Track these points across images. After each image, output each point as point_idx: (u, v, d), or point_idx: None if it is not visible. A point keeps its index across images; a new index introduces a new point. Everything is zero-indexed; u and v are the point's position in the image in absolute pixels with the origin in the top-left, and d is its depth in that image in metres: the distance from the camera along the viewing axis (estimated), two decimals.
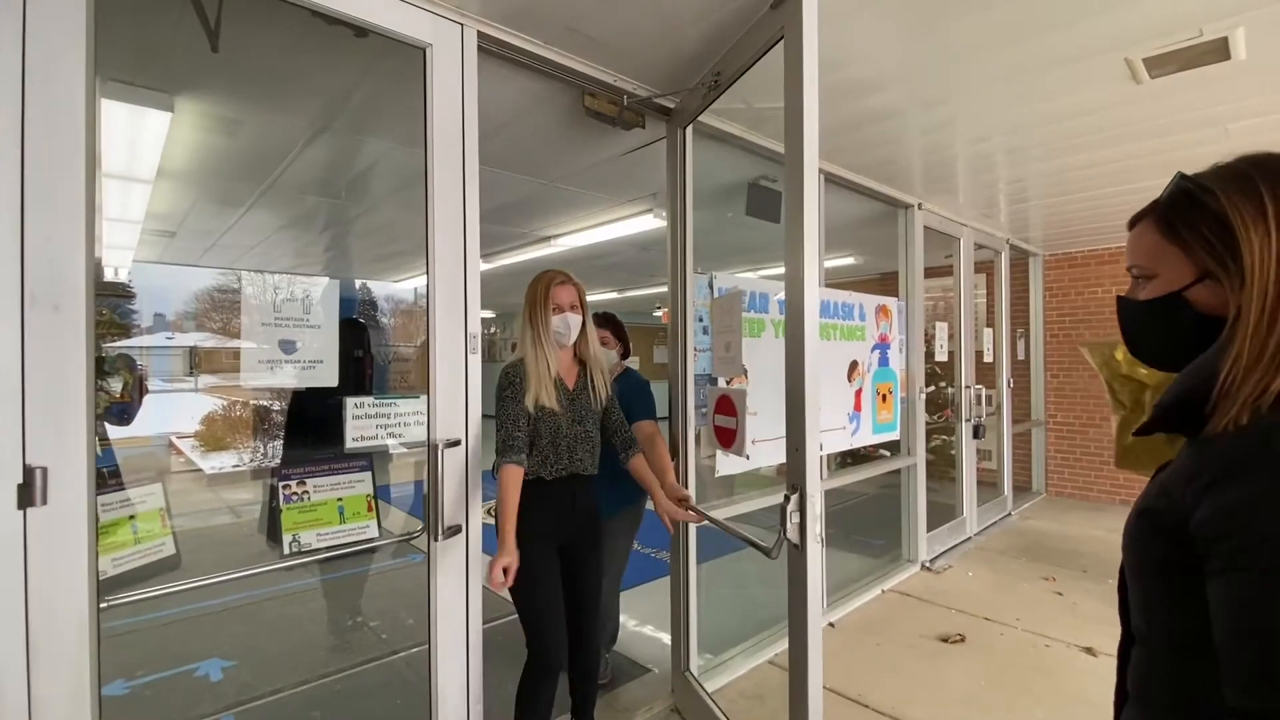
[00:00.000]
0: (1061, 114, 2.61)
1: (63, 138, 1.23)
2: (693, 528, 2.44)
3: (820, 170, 3.18)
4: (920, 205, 3.98)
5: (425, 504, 1.74)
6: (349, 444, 1.68)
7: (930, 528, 4.14)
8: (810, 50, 1.51)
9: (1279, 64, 2.13)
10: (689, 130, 2.38)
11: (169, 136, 2.50)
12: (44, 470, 1.20)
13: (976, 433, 4.67)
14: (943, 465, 5.09)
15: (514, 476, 1.73)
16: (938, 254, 4.62)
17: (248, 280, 1.56)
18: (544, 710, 1.81)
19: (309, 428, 2.14)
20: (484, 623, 1.87)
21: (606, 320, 2.63)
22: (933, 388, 5.31)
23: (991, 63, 2.17)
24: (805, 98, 1.49)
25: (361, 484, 1.94)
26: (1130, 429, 1.08)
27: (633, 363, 2.83)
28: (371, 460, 1.96)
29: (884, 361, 3.79)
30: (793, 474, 1.53)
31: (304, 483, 2.03)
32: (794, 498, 1.45)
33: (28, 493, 1.18)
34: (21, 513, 1.18)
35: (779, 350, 2.80)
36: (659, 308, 9.60)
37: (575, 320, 1.89)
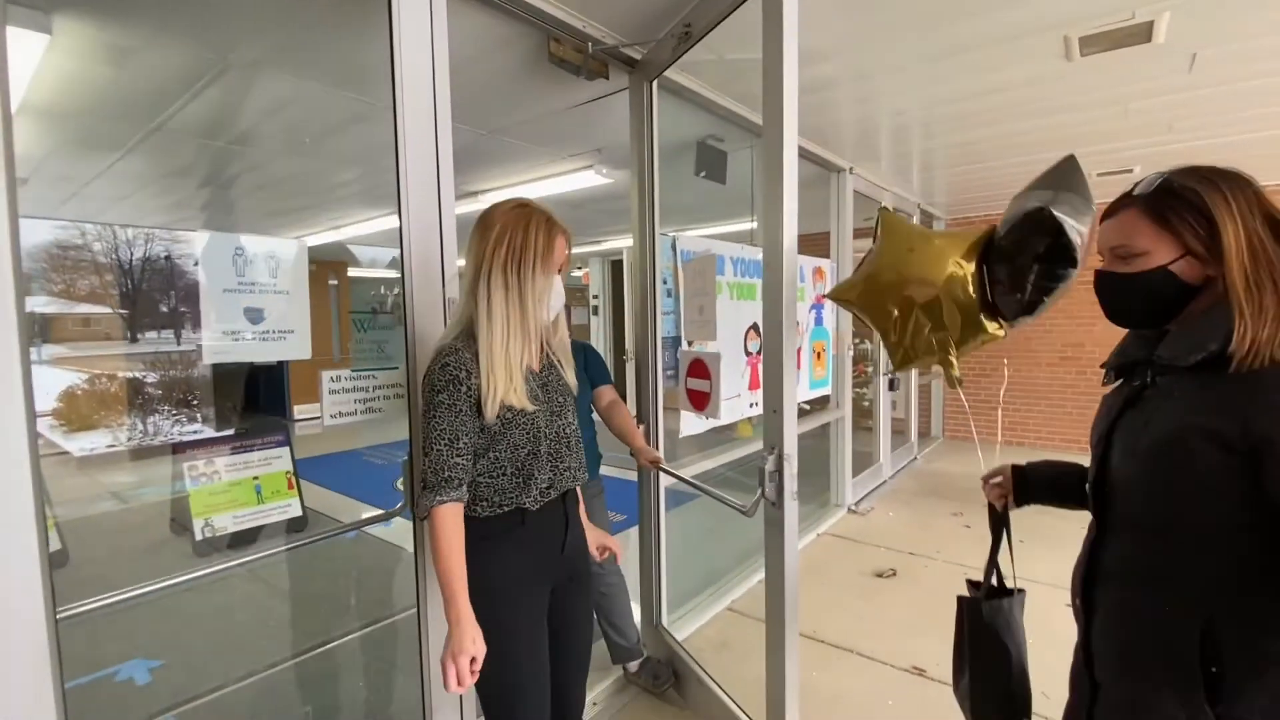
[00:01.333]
0: (989, 88, 2.78)
1: None
2: (661, 488, 2.48)
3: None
4: (851, 170, 4.14)
5: (409, 478, 1.64)
6: (326, 421, 1.54)
7: (854, 474, 4.46)
8: (791, 5, 1.49)
9: (1190, 49, 2.37)
10: (654, 84, 2.30)
11: (42, 63, 2.09)
12: None
13: (892, 385, 5.04)
14: (858, 416, 5.48)
15: (453, 521, 1.18)
16: (858, 217, 4.85)
17: (209, 241, 1.35)
18: None
19: (219, 397, 1.93)
20: None
21: None
22: (862, 343, 5.65)
23: (934, 38, 2.27)
24: (785, 56, 1.48)
25: (279, 460, 1.81)
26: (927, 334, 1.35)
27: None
28: (289, 433, 1.82)
29: (819, 321, 3.97)
30: (772, 435, 1.58)
31: (212, 462, 1.87)
32: (772, 458, 1.50)
33: None
34: None
35: (735, 311, 2.87)
36: (580, 268, 9.46)
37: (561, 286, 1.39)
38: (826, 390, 4.05)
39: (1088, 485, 1.01)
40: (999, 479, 1.25)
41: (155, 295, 1.56)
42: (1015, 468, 1.23)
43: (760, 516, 1.67)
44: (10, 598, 1.05)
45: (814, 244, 6.05)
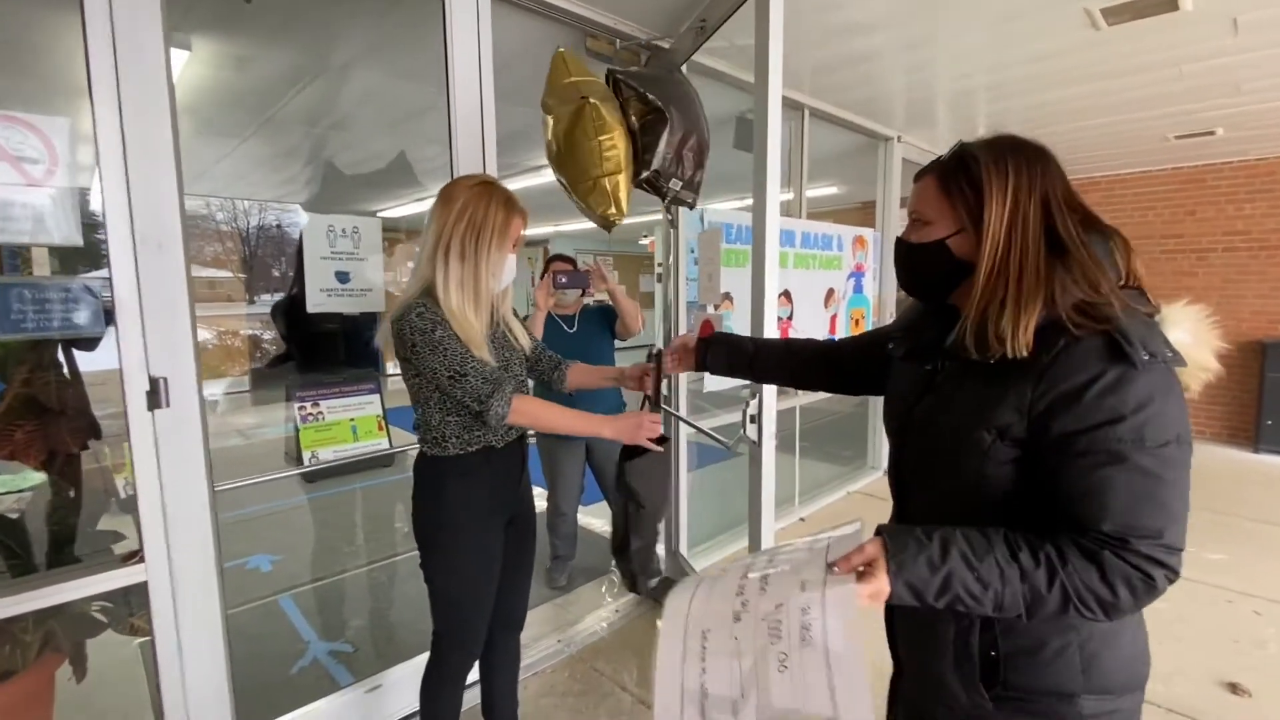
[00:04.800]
0: (1030, 57, 2.80)
1: (149, 89, 1.41)
2: (682, 431, 2.80)
3: (805, 107, 3.37)
4: (899, 138, 4.17)
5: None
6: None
7: None
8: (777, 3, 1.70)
9: (1227, 15, 2.34)
10: (683, 69, 2.54)
11: (183, 73, 2.60)
12: (165, 380, 1.46)
13: None
14: None
15: (531, 401, 1.37)
16: (906, 185, 4.84)
17: (309, 221, 1.77)
18: (457, 713, 1.54)
19: (322, 352, 2.32)
20: None
21: (567, 259, 2.77)
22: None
23: (968, 9, 2.34)
24: (770, 54, 1.68)
25: (371, 405, 2.16)
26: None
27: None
28: (379, 384, 2.18)
29: (859, 289, 4.10)
30: (755, 386, 1.84)
31: (317, 404, 2.30)
32: (754, 402, 1.76)
33: (155, 397, 1.45)
34: (151, 414, 1.46)
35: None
36: (645, 236, 9.71)
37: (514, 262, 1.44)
38: None
39: (886, 469, 1.01)
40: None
41: (268, 261, 1.99)
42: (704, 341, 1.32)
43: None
44: (184, 471, 1.52)
45: (859, 215, 6.07)
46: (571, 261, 2.79)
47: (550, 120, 1.93)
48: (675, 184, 1.99)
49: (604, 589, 2.85)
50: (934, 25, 2.49)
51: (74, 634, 1.65)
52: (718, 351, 1.31)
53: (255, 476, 1.90)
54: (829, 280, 3.78)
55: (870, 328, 4.17)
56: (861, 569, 0.72)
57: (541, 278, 2.60)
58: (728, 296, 2.78)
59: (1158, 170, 5.30)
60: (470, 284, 1.33)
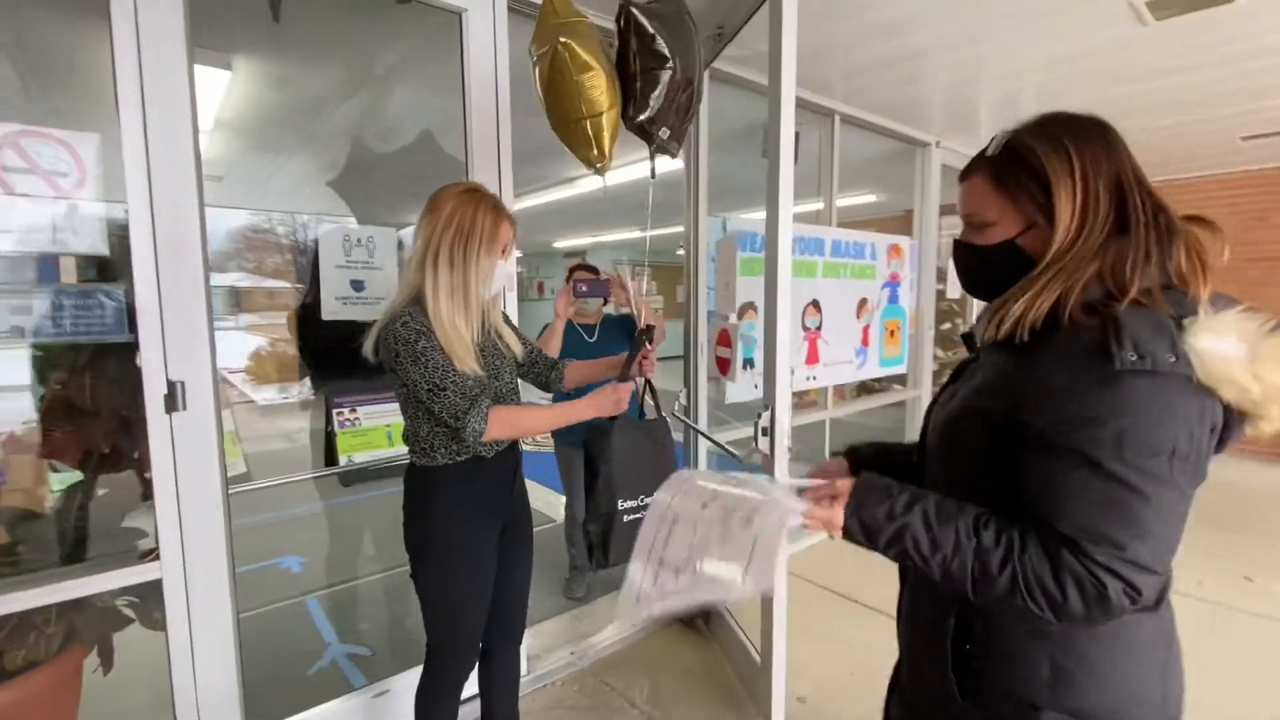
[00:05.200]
0: (1075, 54, 2.65)
1: (172, 105, 1.47)
2: (701, 446, 2.74)
3: (835, 113, 3.29)
4: (938, 143, 4.03)
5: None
6: None
7: None
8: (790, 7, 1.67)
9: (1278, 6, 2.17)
10: (704, 75, 2.52)
11: (228, 91, 2.73)
12: (182, 384, 1.52)
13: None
14: None
15: (506, 411, 1.34)
16: (946, 192, 4.67)
17: (325, 228, 1.82)
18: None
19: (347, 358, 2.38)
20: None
21: (589, 268, 2.77)
22: (948, 325, 5.45)
23: (1011, 3, 2.22)
24: (783, 61, 1.65)
25: None
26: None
27: (656, 301, 3.05)
28: None
29: (894, 299, 3.96)
30: (766, 395, 1.79)
31: (355, 410, 2.35)
32: (765, 414, 1.70)
33: (172, 401, 1.50)
34: (169, 416, 1.51)
35: (794, 287, 3.02)
36: (681, 247, 9.70)
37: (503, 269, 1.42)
38: (900, 369, 4.04)
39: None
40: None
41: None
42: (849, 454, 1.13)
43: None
44: (199, 473, 1.57)
45: (902, 223, 5.92)
46: (594, 270, 2.78)
47: (536, 72, 1.83)
48: (664, 133, 1.90)
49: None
50: (977, 22, 2.38)
51: (100, 627, 1.72)
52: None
53: (286, 476, 1.95)
54: (862, 290, 3.67)
55: (906, 339, 4.02)
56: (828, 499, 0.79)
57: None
58: (751, 306, 2.73)
59: (1226, 174, 4.97)
60: (460, 292, 1.32)
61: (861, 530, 0.76)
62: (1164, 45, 2.48)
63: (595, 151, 1.79)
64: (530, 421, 1.39)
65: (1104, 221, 0.74)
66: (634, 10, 1.52)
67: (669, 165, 4.50)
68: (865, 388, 4.59)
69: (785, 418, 1.79)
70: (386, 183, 5.19)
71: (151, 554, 1.54)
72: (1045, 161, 0.74)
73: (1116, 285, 0.70)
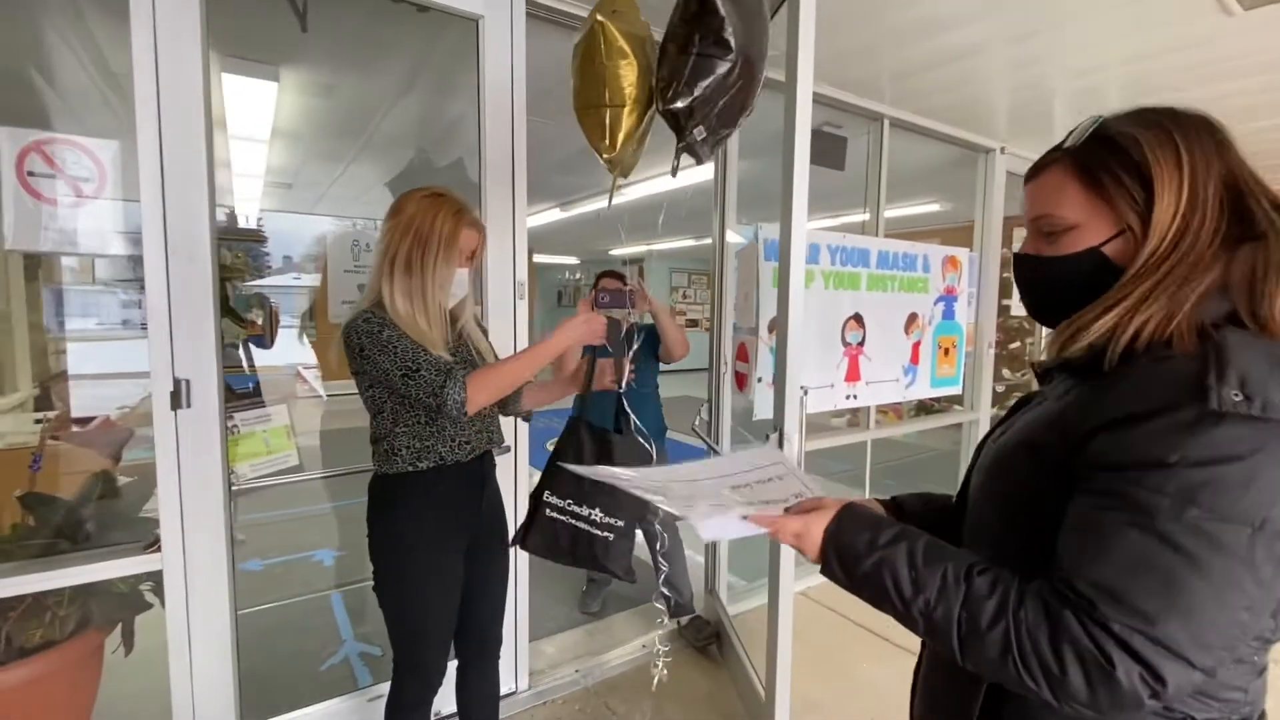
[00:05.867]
0: (1163, 47, 2.38)
1: (188, 112, 1.52)
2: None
3: (884, 117, 3.12)
4: (1003, 149, 3.75)
5: None
6: None
7: None
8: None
9: None
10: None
11: (278, 101, 2.86)
12: (188, 381, 1.56)
13: None
14: None
15: (480, 372, 1.28)
16: (1012, 202, 4.34)
17: (335, 233, 1.85)
18: None
19: None
20: None
21: (618, 276, 2.65)
22: (1016, 344, 5.07)
23: None
24: (800, 60, 1.55)
25: None
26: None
27: (697, 313, 2.95)
28: None
29: (949, 314, 3.70)
30: (776, 417, 1.67)
31: None
32: (774, 436, 1.59)
33: (177, 398, 1.55)
34: (174, 413, 1.56)
35: (833, 300, 2.86)
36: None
37: (468, 276, 1.40)
38: (955, 389, 3.77)
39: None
40: None
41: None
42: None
43: None
44: (202, 469, 1.61)
45: (960, 235, 5.59)
46: (621, 278, 2.72)
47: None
48: (699, 131, 1.64)
49: (638, 620, 2.72)
50: (1044, 12, 2.15)
51: (118, 611, 1.80)
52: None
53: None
54: (911, 304, 3.44)
55: (962, 357, 3.75)
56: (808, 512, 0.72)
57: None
58: None
59: None
60: (418, 296, 1.29)
61: (838, 559, 0.68)
62: (1257, 38, 2.19)
63: (606, 141, 1.71)
64: (507, 373, 1.30)
65: (1214, 231, 0.61)
66: None
67: (705, 173, 4.42)
68: (924, 407, 4.33)
69: (796, 441, 1.67)
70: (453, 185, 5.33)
71: (154, 544, 1.59)
72: (1149, 152, 0.61)
73: (1250, 301, 0.57)
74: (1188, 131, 0.62)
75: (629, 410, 1.49)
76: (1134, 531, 0.54)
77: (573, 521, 1.36)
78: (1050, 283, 0.70)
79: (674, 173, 1.68)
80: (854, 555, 0.66)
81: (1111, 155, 0.63)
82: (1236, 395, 0.52)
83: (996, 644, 0.57)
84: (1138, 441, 0.55)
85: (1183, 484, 0.52)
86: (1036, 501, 0.64)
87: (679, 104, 1.46)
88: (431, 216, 1.30)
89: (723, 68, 1.38)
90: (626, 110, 1.68)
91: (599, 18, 1.51)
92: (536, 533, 1.38)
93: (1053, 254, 0.68)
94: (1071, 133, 0.68)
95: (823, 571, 0.70)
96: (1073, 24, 2.23)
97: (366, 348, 1.25)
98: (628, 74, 1.52)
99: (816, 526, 0.70)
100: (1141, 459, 0.54)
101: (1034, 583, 0.59)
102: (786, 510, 0.74)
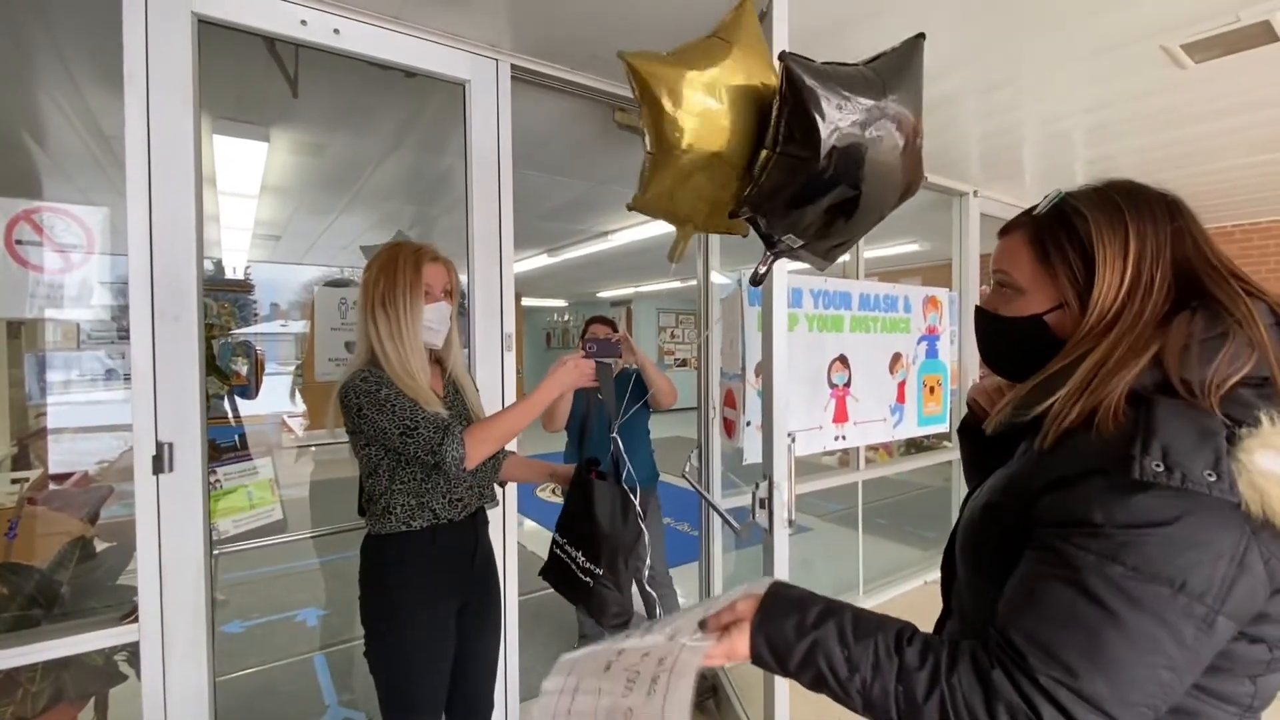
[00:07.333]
0: (1125, 95, 2.48)
1: (179, 175, 1.54)
2: (712, 512, 2.61)
3: None
4: (975, 193, 3.88)
5: None
6: None
7: None
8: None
9: None
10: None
11: (268, 160, 2.92)
12: (170, 445, 1.54)
13: None
14: None
15: (477, 425, 1.30)
16: (986, 242, 4.47)
17: (320, 293, 1.87)
18: None
19: None
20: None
21: (607, 321, 2.70)
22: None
23: (1049, 44, 2.09)
24: None
25: None
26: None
27: (686, 352, 2.97)
28: None
29: (932, 353, 3.76)
30: (765, 465, 1.67)
31: None
32: (764, 484, 1.59)
33: (159, 462, 1.53)
34: (155, 478, 1.54)
35: (817, 343, 2.91)
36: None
37: (447, 311, 1.43)
38: (942, 427, 3.80)
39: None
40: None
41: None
42: None
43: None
44: (183, 535, 1.58)
45: (939, 273, 5.73)
46: (611, 325, 2.75)
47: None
48: (792, 240, 1.35)
49: None
50: (1012, 64, 2.27)
51: (92, 684, 1.73)
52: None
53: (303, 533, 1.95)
54: (895, 344, 3.50)
55: (948, 395, 3.79)
56: (729, 626, 0.68)
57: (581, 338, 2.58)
58: None
59: None
60: (400, 334, 1.33)
61: (770, 651, 0.65)
62: (1210, 88, 2.32)
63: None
64: (504, 425, 1.31)
65: (1158, 312, 0.63)
66: (790, 63, 1.04)
67: None
68: (914, 443, 4.34)
69: (785, 488, 1.67)
70: (438, 240, 5.39)
71: (132, 614, 1.55)
72: (1097, 233, 0.65)
73: (1179, 370, 0.58)
74: (1143, 214, 0.65)
75: (624, 455, 1.50)
76: (1060, 585, 0.57)
77: (568, 562, 1.44)
78: (997, 339, 0.77)
79: (756, 280, 1.50)
80: (785, 644, 0.65)
81: (1063, 231, 0.68)
82: (1158, 466, 0.54)
83: (934, 714, 0.58)
84: (1070, 502, 0.59)
85: (1107, 543, 0.55)
86: (1004, 560, 0.65)
87: (741, 210, 1.28)
88: (394, 260, 1.37)
89: (802, 169, 1.08)
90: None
91: (630, 60, 1.26)
92: (551, 564, 1.49)
93: (1006, 313, 0.74)
94: (1045, 198, 0.72)
95: (754, 663, 0.67)
96: (1037, 76, 2.35)
97: (364, 407, 1.26)
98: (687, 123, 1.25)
99: (739, 638, 0.67)
100: (1072, 517, 0.58)
101: (964, 643, 0.60)
102: (701, 626, 0.69)
